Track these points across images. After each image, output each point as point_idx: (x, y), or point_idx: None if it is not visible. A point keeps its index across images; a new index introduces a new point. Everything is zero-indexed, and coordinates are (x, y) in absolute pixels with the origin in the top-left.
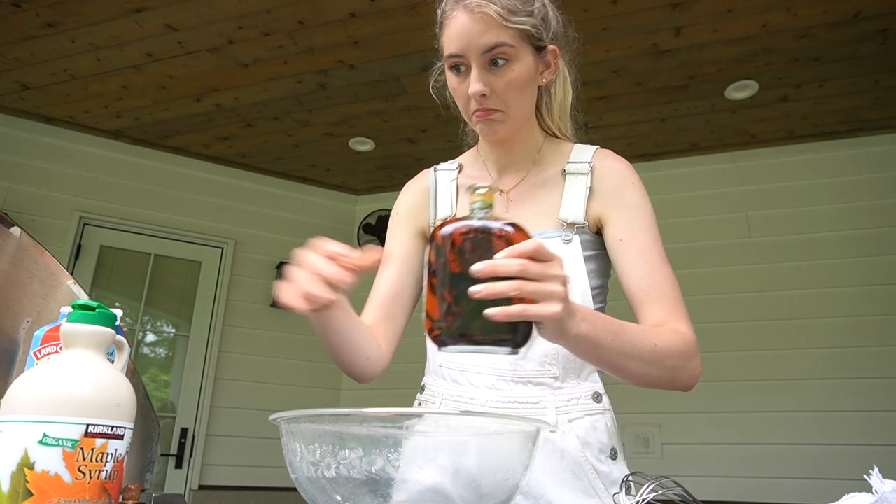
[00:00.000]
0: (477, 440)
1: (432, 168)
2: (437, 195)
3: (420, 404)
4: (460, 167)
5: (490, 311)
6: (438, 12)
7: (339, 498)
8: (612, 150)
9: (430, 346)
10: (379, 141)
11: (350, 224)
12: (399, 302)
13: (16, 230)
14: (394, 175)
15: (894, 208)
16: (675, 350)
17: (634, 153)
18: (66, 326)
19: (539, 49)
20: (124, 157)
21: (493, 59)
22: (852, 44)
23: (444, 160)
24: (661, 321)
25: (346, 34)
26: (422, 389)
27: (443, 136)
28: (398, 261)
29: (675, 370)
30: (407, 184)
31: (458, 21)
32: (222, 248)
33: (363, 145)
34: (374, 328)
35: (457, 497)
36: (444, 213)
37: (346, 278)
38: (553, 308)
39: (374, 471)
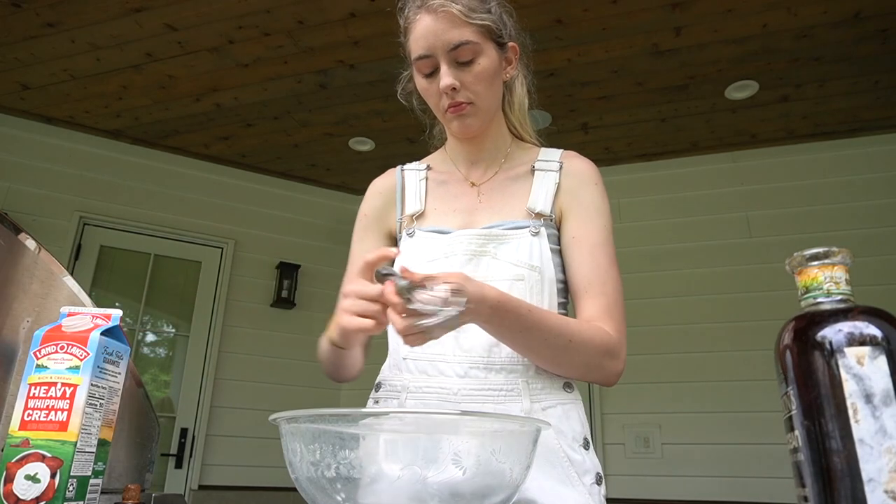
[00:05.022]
0: (476, 440)
1: (398, 167)
2: (406, 192)
3: (377, 402)
4: (428, 166)
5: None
6: (401, 21)
7: (339, 498)
8: (611, 150)
9: (393, 340)
10: (379, 141)
11: (350, 224)
12: None
13: (15, 230)
14: None
15: (894, 208)
16: (591, 348)
17: (634, 153)
18: None
19: (501, 45)
20: (124, 157)
21: (460, 55)
22: (852, 44)
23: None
24: (593, 318)
25: (346, 34)
26: (377, 387)
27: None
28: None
29: (588, 367)
30: (373, 182)
31: (423, 23)
32: (222, 248)
33: (363, 145)
34: None
35: (457, 496)
36: (412, 208)
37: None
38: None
39: (374, 471)
